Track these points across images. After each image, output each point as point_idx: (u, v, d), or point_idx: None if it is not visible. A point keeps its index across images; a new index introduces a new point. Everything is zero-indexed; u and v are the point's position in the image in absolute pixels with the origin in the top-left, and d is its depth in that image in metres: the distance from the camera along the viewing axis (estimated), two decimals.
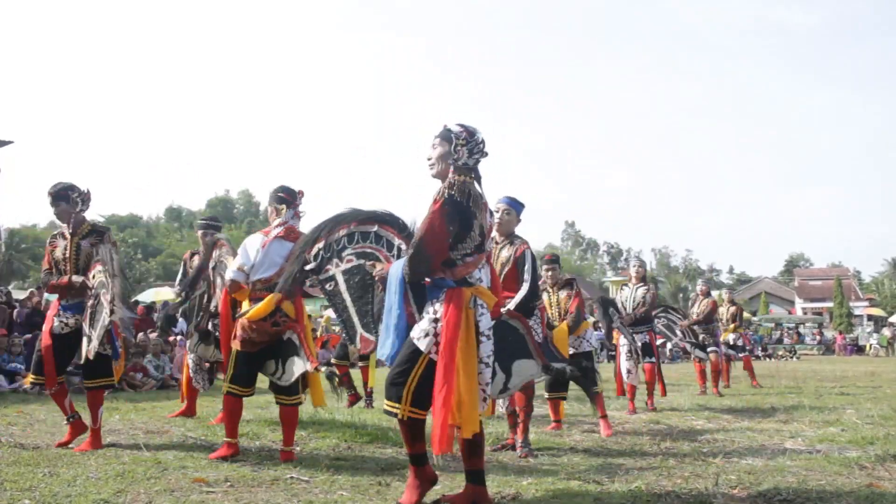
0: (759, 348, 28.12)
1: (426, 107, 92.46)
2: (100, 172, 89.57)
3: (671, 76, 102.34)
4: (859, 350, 32.69)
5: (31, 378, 5.05)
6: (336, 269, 3.80)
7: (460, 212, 3.27)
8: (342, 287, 3.81)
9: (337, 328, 17.46)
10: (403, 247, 3.71)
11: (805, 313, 48.28)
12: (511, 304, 4.68)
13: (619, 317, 7.67)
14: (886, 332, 32.90)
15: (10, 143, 18.69)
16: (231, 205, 71.74)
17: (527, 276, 4.91)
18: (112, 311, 4.58)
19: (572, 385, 6.73)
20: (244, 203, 74.39)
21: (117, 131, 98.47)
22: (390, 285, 3.42)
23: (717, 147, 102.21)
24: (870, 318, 44.91)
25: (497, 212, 4.97)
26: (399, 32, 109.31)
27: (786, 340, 32.35)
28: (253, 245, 4.66)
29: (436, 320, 3.29)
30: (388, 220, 3.79)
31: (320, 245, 3.79)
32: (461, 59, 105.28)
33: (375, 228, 3.79)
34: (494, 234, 5.00)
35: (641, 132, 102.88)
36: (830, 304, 46.58)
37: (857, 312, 45.54)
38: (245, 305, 4.62)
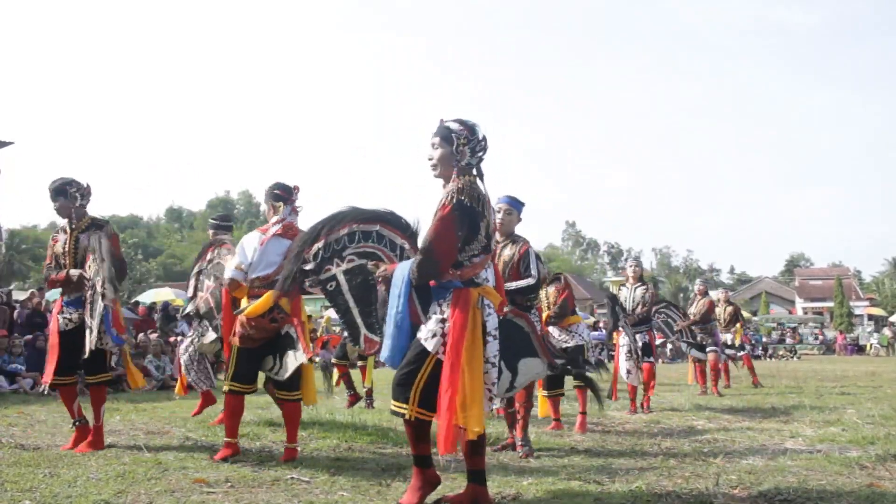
0: (760, 348, 28.14)
1: (426, 107, 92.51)
2: (100, 172, 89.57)
3: (671, 76, 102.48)
4: (860, 350, 32.71)
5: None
6: (337, 269, 3.69)
7: (469, 216, 3.28)
8: (344, 287, 3.70)
9: (337, 328, 17.46)
10: (407, 247, 3.68)
11: (805, 313, 48.27)
12: (512, 286, 4.83)
13: (625, 316, 7.70)
14: (887, 331, 32.91)
15: (10, 143, 18.70)
16: (231, 205, 71.76)
17: (533, 272, 4.98)
18: (103, 295, 4.56)
19: (571, 384, 6.77)
20: (244, 203, 74.45)
21: (117, 131, 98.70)
22: (395, 287, 3.38)
23: (717, 147, 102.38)
24: (870, 317, 44.91)
25: (498, 212, 5.01)
26: (399, 32, 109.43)
27: (788, 340, 32.39)
28: (250, 244, 4.66)
29: (443, 321, 3.29)
30: (391, 220, 3.72)
31: (319, 244, 3.66)
32: (461, 59, 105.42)
33: (377, 228, 3.70)
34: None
35: (641, 132, 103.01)
36: (831, 304, 46.58)
37: (857, 312, 45.54)
38: (244, 303, 4.62)
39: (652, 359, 7.96)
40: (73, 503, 3.40)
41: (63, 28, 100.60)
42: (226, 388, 4.59)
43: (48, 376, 4.89)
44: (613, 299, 7.75)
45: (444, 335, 3.27)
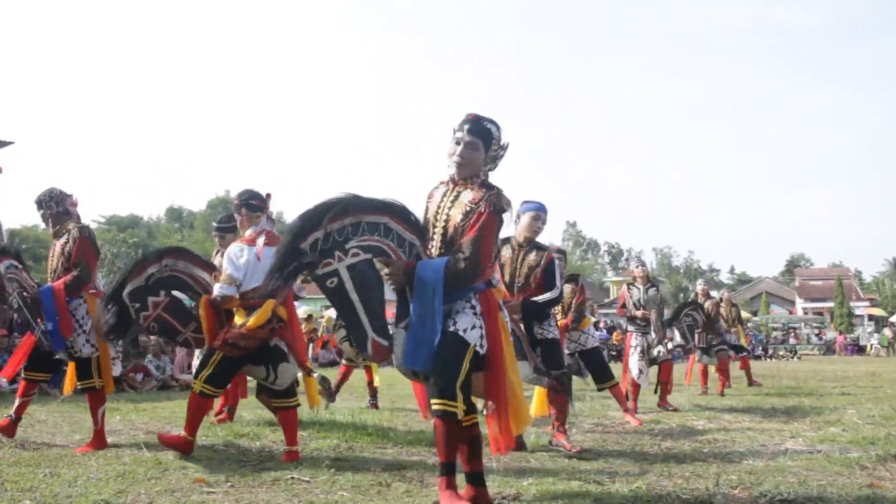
0: (760, 348, 28.18)
1: (426, 107, 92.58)
2: (100, 172, 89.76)
3: (671, 76, 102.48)
4: (860, 350, 32.75)
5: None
6: (339, 264, 3.23)
7: (502, 223, 3.30)
8: (348, 285, 3.25)
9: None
10: (417, 244, 3.35)
11: (806, 313, 48.26)
12: (539, 299, 4.97)
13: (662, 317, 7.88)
14: (887, 332, 32.94)
15: (10, 143, 18.69)
16: (231, 205, 71.61)
17: (558, 283, 5.12)
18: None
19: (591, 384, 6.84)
20: None
21: (117, 131, 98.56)
22: (425, 287, 3.15)
23: (717, 147, 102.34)
24: (870, 318, 44.94)
25: (536, 219, 5.06)
26: (399, 32, 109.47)
27: (791, 341, 32.48)
28: (241, 256, 4.58)
29: (476, 315, 3.25)
30: (401, 214, 3.35)
31: (318, 234, 3.22)
32: (461, 59, 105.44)
33: (386, 220, 3.30)
34: (518, 238, 5.12)
35: (641, 132, 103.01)
36: (831, 304, 46.56)
37: (857, 312, 45.56)
38: (240, 315, 4.53)
39: (670, 357, 8.10)
40: (73, 503, 3.40)
41: (63, 28, 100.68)
42: (197, 389, 4.54)
43: (8, 372, 5.22)
44: (661, 302, 7.94)
45: (481, 328, 3.24)
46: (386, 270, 3.23)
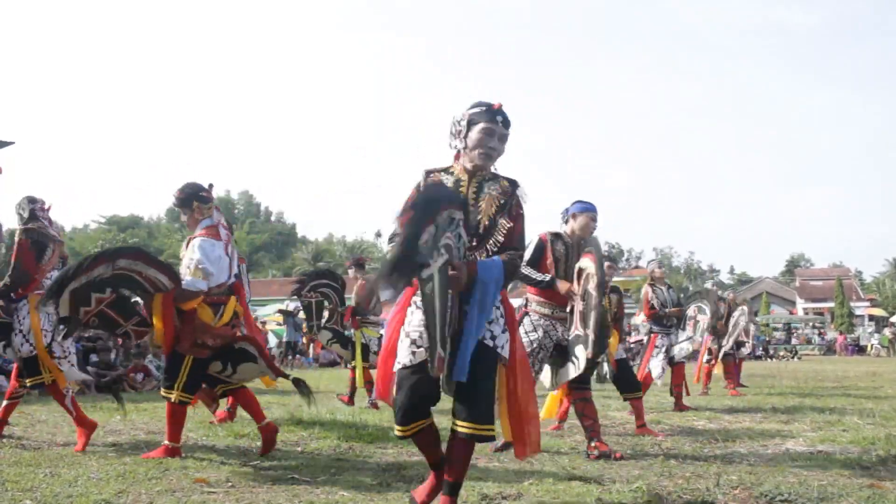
0: (761, 349, 28.22)
1: (426, 107, 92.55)
2: (100, 172, 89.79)
3: (671, 76, 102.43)
4: (860, 350, 32.81)
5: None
6: (434, 265, 2.70)
7: None
8: (438, 291, 2.72)
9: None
10: (466, 242, 2.97)
11: (806, 313, 48.28)
12: None
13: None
14: (887, 332, 32.98)
15: (10, 143, 18.72)
16: (231, 205, 71.63)
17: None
18: None
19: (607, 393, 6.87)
20: (244, 203, 74.45)
21: (117, 131, 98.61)
22: (487, 293, 2.90)
23: (717, 147, 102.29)
24: (871, 318, 44.97)
25: (594, 220, 5.08)
26: (399, 32, 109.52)
27: (793, 341, 32.58)
28: (214, 251, 4.53)
29: (506, 324, 3.09)
30: (465, 209, 2.93)
31: (431, 230, 2.66)
32: (461, 59, 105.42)
33: (459, 216, 2.81)
34: (571, 236, 5.08)
35: (641, 132, 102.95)
36: (832, 305, 46.58)
37: (858, 313, 45.58)
38: (205, 312, 4.50)
39: (684, 358, 8.17)
40: (73, 503, 3.39)
41: (63, 28, 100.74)
42: (176, 398, 4.48)
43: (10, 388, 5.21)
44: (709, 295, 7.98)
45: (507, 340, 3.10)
46: (454, 272, 2.80)
